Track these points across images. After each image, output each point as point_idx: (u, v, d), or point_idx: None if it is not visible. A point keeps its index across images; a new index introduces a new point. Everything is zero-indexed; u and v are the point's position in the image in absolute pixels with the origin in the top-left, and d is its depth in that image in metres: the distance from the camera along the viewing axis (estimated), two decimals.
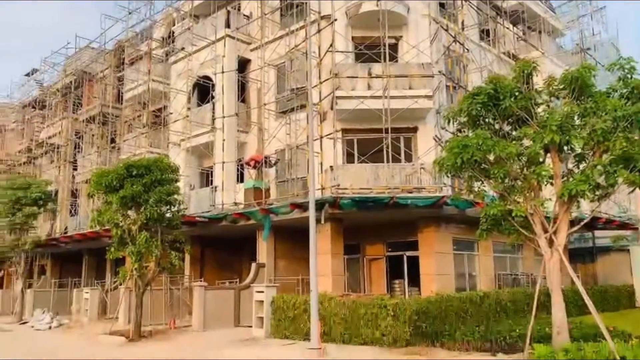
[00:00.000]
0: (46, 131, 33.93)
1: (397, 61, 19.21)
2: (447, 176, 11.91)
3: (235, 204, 20.43)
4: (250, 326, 16.58)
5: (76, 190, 31.00)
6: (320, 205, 16.75)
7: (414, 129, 18.93)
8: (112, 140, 29.18)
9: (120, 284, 20.22)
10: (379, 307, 13.52)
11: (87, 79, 31.23)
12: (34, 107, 35.84)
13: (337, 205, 16.90)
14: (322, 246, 17.19)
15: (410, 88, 18.23)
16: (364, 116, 18.04)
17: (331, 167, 17.72)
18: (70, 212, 31.53)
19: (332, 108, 18.28)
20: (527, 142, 11.04)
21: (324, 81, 18.29)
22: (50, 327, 21.99)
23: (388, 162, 17.45)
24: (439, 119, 18.44)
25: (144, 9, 28.75)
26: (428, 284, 17.79)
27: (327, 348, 12.95)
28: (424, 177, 17.72)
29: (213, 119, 21.83)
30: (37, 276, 33.16)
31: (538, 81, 11.69)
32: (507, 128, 11.66)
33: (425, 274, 18.13)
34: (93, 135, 31.02)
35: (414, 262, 18.84)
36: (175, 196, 18.12)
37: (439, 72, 18.68)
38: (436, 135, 18.28)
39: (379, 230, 19.71)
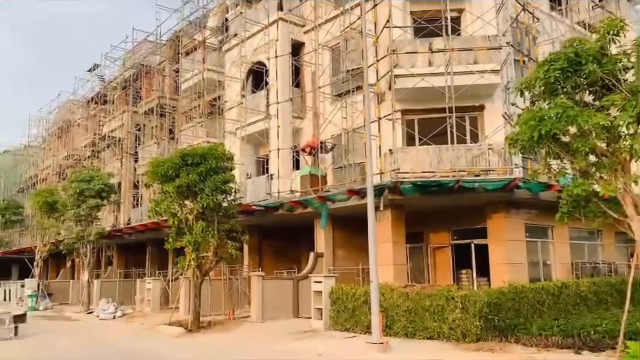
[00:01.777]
0: (108, 125, 34.74)
1: (459, 34, 17.92)
2: (522, 153, 10.67)
3: (292, 191, 19.97)
4: (310, 317, 16.18)
5: (138, 181, 31.53)
6: (379, 191, 15.94)
7: (480, 107, 17.65)
8: (171, 132, 29.39)
9: (181, 274, 20.23)
10: (445, 299, 12.68)
11: (145, 71, 31.60)
12: (96, 102, 36.80)
13: (397, 190, 16.00)
14: (382, 234, 16.46)
15: (475, 63, 16.95)
16: (424, 95, 16.99)
17: (390, 150, 16.80)
18: (133, 203, 32.14)
19: (390, 88, 17.30)
20: (614, 112, 9.69)
21: (381, 59, 17.29)
22: (114, 317, 22.41)
23: (452, 143, 16.29)
24: (508, 95, 17.11)
25: None
26: (498, 273, 16.63)
27: (390, 342, 12.19)
28: (492, 159, 16.47)
29: (267, 106, 21.41)
30: (104, 267, 34.19)
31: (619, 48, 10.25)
32: (588, 98, 10.35)
33: (495, 263, 16.94)
34: (153, 127, 31.39)
35: (482, 251, 17.68)
36: (231, 185, 17.88)
37: (507, 43, 17.23)
38: (505, 113, 16.93)
39: (443, 216, 18.65)
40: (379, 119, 16.97)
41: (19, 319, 15.59)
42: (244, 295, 20.70)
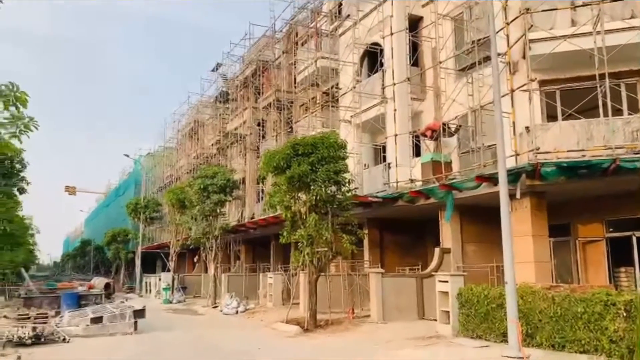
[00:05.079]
0: (232, 122, 35.46)
1: None
2: None
3: (411, 181, 18.36)
4: (436, 320, 14.69)
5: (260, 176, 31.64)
6: (514, 175, 13.75)
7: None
8: (289, 124, 29.09)
9: (296, 270, 19.58)
10: (604, 305, 10.26)
11: (263, 67, 31.61)
12: (220, 101, 37.84)
13: (537, 174, 13.65)
14: (519, 227, 14.32)
15: (632, 17, 13.95)
16: (567, 61, 14.40)
17: (527, 127, 14.40)
18: (257, 198, 32.39)
19: (524, 56, 14.84)
20: None
21: (512, 20, 14.81)
22: (236, 312, 22.57)
23: (605, 116, 13.47)
24: None
25: None
26: None
27: (532, 355, 10.20)
28: None
29: (383, 88, 19.96)
30: (234, 261, 35.01)
31: None
32: None
33: None
34: (275, 121, 31.35)
35: None
36: (344, 174, 16.82)
37: None
38: None
39: (595, 204, 15.81)
40: (512, 91, 14.56)
41: (139, 313, 15.88)
42: (365, 293, 19.55)
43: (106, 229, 56.63)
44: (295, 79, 28.34)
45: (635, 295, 10.49)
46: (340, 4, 25.57)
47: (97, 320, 15.14)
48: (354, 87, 21.37)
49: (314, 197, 16.16)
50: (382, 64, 20.49)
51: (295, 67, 28.09)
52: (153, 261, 50.69)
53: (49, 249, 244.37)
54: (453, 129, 17.80)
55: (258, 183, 32.15)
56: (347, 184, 17.00)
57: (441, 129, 17.55)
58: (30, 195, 77.36)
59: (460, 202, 16.72)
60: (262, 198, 31.42)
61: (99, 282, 29.67)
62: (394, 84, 19.24)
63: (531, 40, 14.43)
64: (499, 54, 13.37)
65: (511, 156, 14.02)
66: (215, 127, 38.93)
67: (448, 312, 13.79)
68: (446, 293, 13.93)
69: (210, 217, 26.99)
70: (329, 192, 16.38)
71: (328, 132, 18.03)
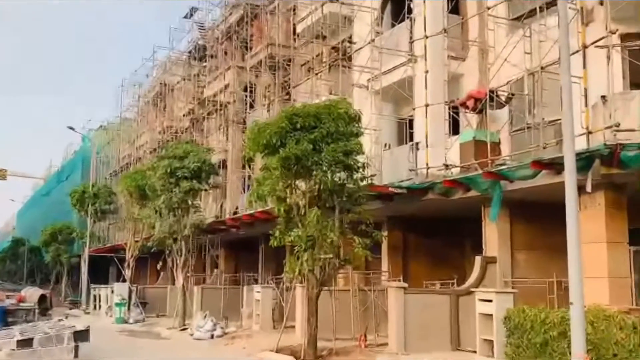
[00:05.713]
0: (210, 86, 35.51)
1: None
2: None
3: (446, 166, 18.49)
4: (475, 351, 15.24)
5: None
6: (585, 161, 13.77)
7: None
8: (285, 89, 29.16)
9: (299, 283, 19.73)
10: None
11: (253, 12, 31.58)
12: (195, 58, 37.86)
13: (616, 160, 13.69)
14: (590, 230, 14.34)
15: None
16: None
17: (603, 97, 14.43)
18: (242, 188, 32.39)
19: (602, 1, 14.92)
20: None
21: None
22: (212, 336, 22.85)
23: None
24: None
25: None
26: None
27: None
28: None
29: (411, 42, 20.28)
30: (210, 270, 35.12)
31: None
32: None
33: None
34: (267, 86, 31.33)
35: None
36: (358, 157, 16.89)
37: None
38: None
39: None
40: (585, 47, 14.56)
41: (81, 336, 16.00)
42: (382, 314, 19.92)
43: (44, 225, 57.07)
44: (294, 29, 28.64)
45: None
46: None
47: (25, 343, 15.10)
48: (373, 41, 21.59)
49: (317, 186, 16.31)
50: (410, 10, 20.65)
51: (294, 14, 28.46)
52: (104, 268, 51.16)
53: None
54: (504, 98, 17.92)
55: (243, 167, 32.23)
56: (360, 170, 17.06)
57: (488, 97, 17.62)
58: None
59: (510, 196, 16.91)
60: (248, 187, 31.41)
61: (31, 293, 29.88)
62: (426, 37, 19.41)
63: None
64: None
65: (581, 135, 14.10)
66: (188, 92, 39.19)
67: (492, 341, 14.23)
68: (490, 316, 14.41)
69: (179, 211, 27.16)
70: (336, 179, 16.44)
71: (337, 100, 18.06)
